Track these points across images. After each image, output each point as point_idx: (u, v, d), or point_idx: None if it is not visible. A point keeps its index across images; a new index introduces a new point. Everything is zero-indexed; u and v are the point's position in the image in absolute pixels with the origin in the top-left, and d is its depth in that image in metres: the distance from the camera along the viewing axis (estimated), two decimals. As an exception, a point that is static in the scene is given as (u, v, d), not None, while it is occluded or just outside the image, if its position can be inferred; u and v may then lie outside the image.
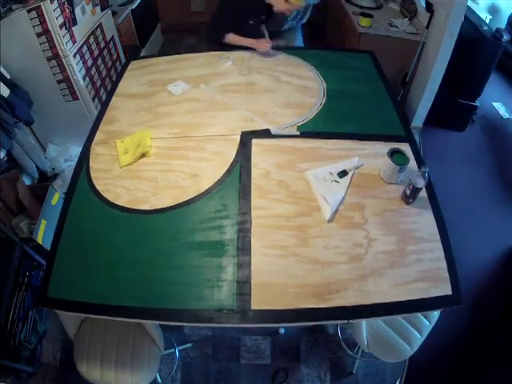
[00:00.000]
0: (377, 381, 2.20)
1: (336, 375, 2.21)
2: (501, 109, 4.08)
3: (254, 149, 1.89)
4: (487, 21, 3.86)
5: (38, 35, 2.58)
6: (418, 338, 1.75)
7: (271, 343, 2.32)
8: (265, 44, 2.52)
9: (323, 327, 2.39)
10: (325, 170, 1.76)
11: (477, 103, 3.54)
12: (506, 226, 2.94)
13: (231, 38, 2.53)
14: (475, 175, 3.33)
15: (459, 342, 2.32)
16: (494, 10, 4.42)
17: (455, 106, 3.54)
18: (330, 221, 1.59)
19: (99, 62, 3.25)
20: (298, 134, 1.98)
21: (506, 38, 3.12)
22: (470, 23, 3.21)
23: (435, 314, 1.80)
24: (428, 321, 1.80)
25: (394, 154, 1.68)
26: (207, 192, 1.71)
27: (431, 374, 2.19)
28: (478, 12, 3.58)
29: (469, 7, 3.18)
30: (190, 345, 2.30)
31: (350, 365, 2.25)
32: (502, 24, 4.37)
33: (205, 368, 2.24)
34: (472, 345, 2.31)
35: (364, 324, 1.73)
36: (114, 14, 3.58)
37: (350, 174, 1.63)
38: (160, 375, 2.07)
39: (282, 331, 2.35)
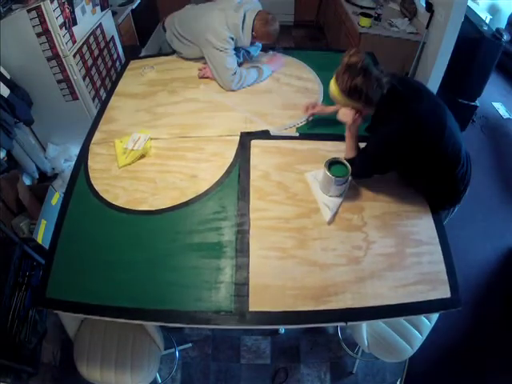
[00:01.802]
0: (377, 381, 2.20)
1: (336, 375, 2.21)
2: (501, 109, 4.08)
3: (253, 150, 1.89)
4: (487, 21, 3.85)
5: (38, 35, 2.58)
6: (419, 338, 1.75)
7: (271, 343, 2.32)
8: None
9: (323, 327, 2.39)
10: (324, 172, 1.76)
11: (477, 103, 3.53)
12: (505, 227, 2.94)
13: None
14: (475, 175, 3.29)
15: (459, 341, 2.32)
16: (494, 10, 4.41)
17: (455, 105, 3.51)
18: (329, 223, 1.59)
19: (99, 61, 3.24)
20: (297, 135, 1.98)
21: (506, 37, 3.12)
22: (470, 23, 3.21)
23: (435, 314, 1.79)
24: (428, 320, 1.80)
25: (334, 164, 1.62)
26: (206, 193, 1.71)
27: (431, 374, 2.19)
28: (478, 12, 3.57)
29: (469, 7, 3.18)
30: (190, 345, 2.30)
31: (350, 365, 2.25)
32: (502, 24, 4.36)
33: (205, 368, 2.24)
34: (472, 345, 2.30)
35: (364, 325, 1.73)
36: (114, 14, 3.57)
37: (350, 175, 1.63)
38: (160, 375, 2.07)
39: (282, 331, 2.35)
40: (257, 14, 2.23)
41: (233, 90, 2.28)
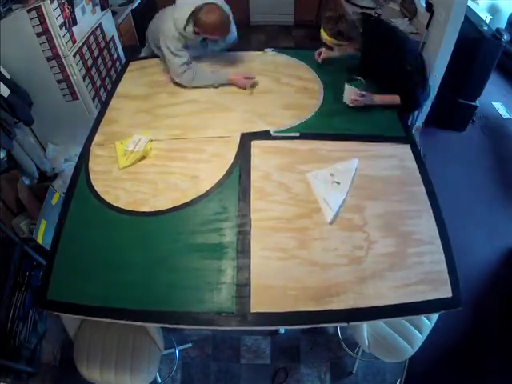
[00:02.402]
0: (377, 381, 2.20)
1: (336, 375, 2.22)
2: (501, 109, 4.07)
3: (253, 150, 1.89)
4: (487, 21, 3.84)
5: (38, 35, 2.58)
6: (419, 338, 1.75)
7: (271, 343, 2.32)
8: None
9: (323, 327, 2.39)
10: (325, 172, 1.76)
11: (477, 103, 3.53)
12: (506, 227, 2.94)
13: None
14: (475, 175, 3.33)
15: (459, 341, 2.32)
16: (494, 10, 4.41)
17: (455, 105, 3.53)
18: (331, 223, 1.59)
19: (99, 61, 3.24)
20: (298, 135, 1.97)
21: (506, 37, 3.12)
22: (470, 23, 3.21)
23: (436, 314, 1.79)
24: (429, 320, 1.80)
25: (350, 81, 2.09)
26: (207, 194, 1.71)
27: (431, 374, 2.19)
28: (478, 12, 3.57)
29: (469, 7, 3.17)
30: (190, 345, 2.30)
31: (350, 365, 2.25)
32: (502, 24, 4.35)
33: (205, 368, 2.24)
34: (472, 345, 2.31)
35: (365, 325, 1.73)
36: (114, 14, 3.57)
37: (351, 175, 1.63)
38: (160, 375, 2.08)
39: (282, 331, 2.35)
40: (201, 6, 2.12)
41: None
